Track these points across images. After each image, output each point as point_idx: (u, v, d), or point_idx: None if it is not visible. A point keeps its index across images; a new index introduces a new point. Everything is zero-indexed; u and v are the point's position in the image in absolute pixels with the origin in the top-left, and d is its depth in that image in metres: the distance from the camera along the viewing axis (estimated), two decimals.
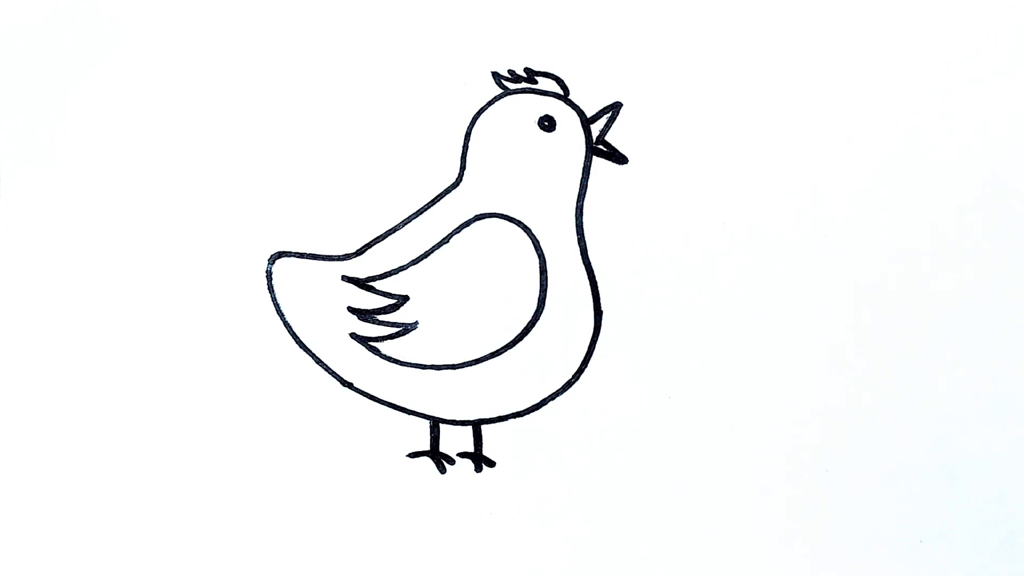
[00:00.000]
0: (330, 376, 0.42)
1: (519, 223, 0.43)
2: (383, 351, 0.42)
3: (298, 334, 0.42)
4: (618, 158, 0.43)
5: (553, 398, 0.42)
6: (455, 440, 0.42)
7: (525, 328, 0.42)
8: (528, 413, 0.42)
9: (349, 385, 0.42)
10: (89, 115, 0.43)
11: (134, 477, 0.41)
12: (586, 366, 0.43)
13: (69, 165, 0.43)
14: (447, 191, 0.43)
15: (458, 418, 0.42)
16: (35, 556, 0.41)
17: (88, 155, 0.43)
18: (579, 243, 0.43)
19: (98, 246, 0.42)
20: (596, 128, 0.43)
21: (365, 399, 0.42)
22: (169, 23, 0.44)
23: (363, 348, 0.42)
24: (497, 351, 0.42)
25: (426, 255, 0.43)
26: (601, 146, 0.43)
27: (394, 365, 0.42)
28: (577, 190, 0.43)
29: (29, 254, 0.42)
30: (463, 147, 0.43)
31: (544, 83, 0.44)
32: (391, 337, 0.42)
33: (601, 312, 0.43)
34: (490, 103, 0.43)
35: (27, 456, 0.41)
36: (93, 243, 0.42)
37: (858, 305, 0.43)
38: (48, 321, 0.42)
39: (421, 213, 0.43)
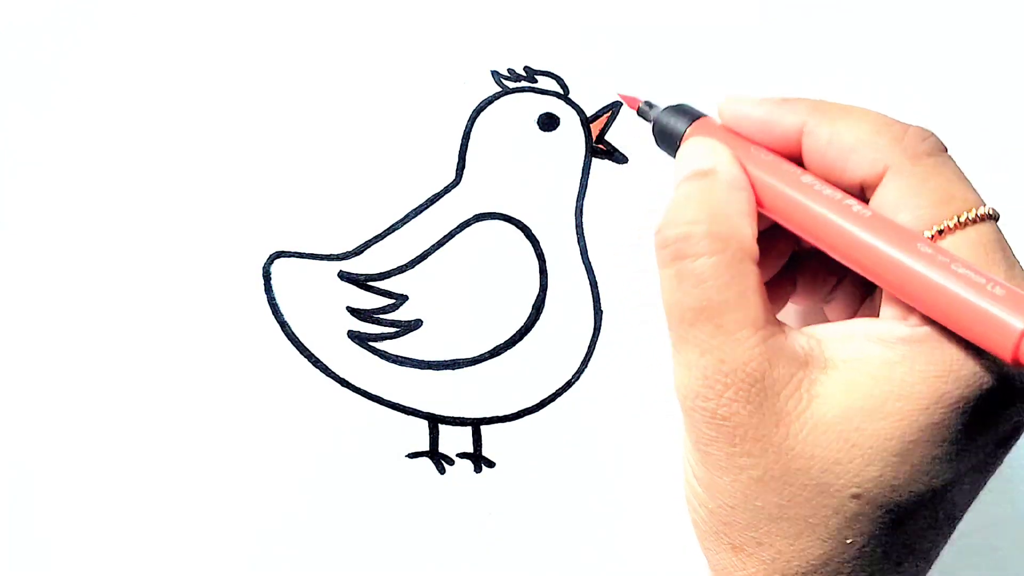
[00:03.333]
0: (328, 377, 0.42)
1: (519, 223, 0.43)
2: (382, 351, 0.42)
3: (296, 334, 0.42)
4: (618, 158, 0.43)
5: (553, 398, 0.42)
6: (455, 440, 0.42)
7: (525, 328, 0.42)
8: (528, 413, 0.42)
9: (347, 385, 0.42)
10: (88, 115, 0.43)
11: (132, 478, 0.41)
12: (586, 366, 0.42)
13: (67, 165, 0.43)
14: (446, 190, 0.43)
15: (458, 418, 0.42)
16: (29, 557, 0.41)
17: (86, 155, 0.43)
18: (579, 243, 0.43)
19: (95, 247, 0.42)
20: (596, 128, 0.43)
21: (364, 399, 0.42)
22: (168, 22, 0.44)
23: (362, 348, 0.42)
24: (497, 351, 0.42)
25: (425, 255, 0.43)
26: (601, 146, 0.43)
27: (393, 365, 0.42)
28: (577, 190, 0.43)
29: (27, 254, 0.42)
30: (462, 146, 0.43)
31: (544, 82, 0.44)
32: (390, 337, 0.42)
33: (601, 312, 0.43)
34: (489, 102, 0.43)
35: (22, 456, 0.41)
36: (90, 244, 0.42)
37: None
38: (45, 322, 0.42)
39: (420, 212, 0.43)
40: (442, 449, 0.42)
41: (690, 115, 0.35)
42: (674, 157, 0.34)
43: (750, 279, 0.29)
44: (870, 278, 0.29)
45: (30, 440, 0.41)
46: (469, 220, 0.43)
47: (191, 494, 0.41)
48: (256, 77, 0.44)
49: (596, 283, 0.43)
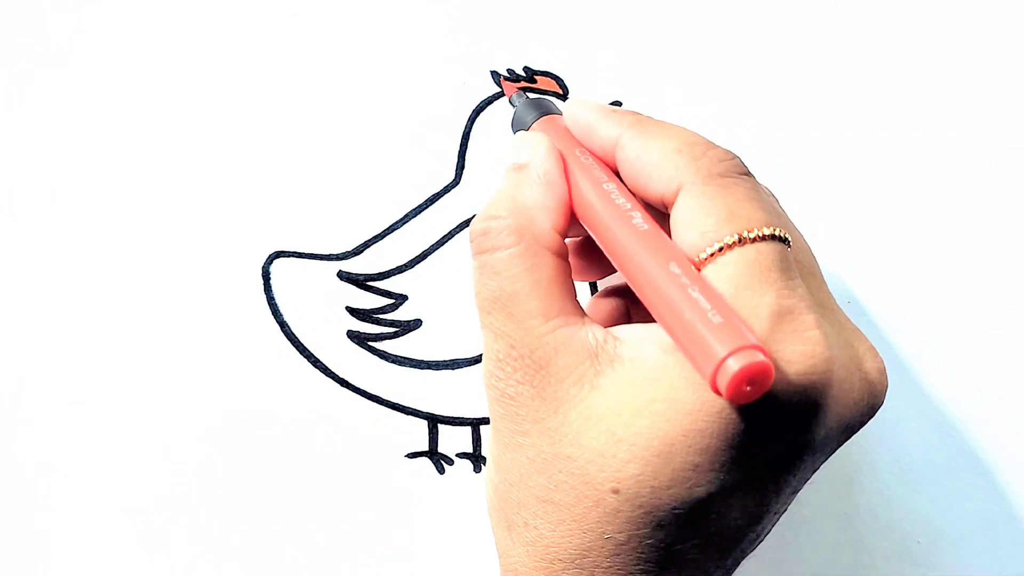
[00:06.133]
0: (328, 377, 0.42)
1: None
2: (382, 351, 0.42)
3: (296, 334, 0.42)
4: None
5: None
6: (454, 440, 0.42)
7: None
8: None
9: (347, 385, 0.42)
10: (88, 114, 0.43)
11: (131, 478, 0.41)
12: None
13: (67, 164, 0.43)
14: (445, 191, 0.43)
15: (458, 418, 0.42)
16: (29, 556, 0.41)
17: (86, 154, 0.43)
18: None
19: (95, 247, 0.42)
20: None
21: (363, 399, 0.42)
22: (169, 22, 0.44)
23: (361, 348, 0.42)
24: None
25: (425, 255, 0.43)
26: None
27: (393, 365, 0.42)
28: None
29: (27, 254, 0.42)
30: (461, 147, 0.43)
31: (543, 83, 0.44)
32: (390, 337, 0.42)
33: None
34: (489, 102, 0.43)
35: (22, 456, 0.41)
36: (90, 244, 0.42)
37: (858, 305, 0.43)
38: (44, 322, 0.42)
39: (419, 212, 0.43)
40: (442, 449, 0.42)
41: (542, 110, 0.36)
42: None
43: (544, 271, 0.31)
44: (633, 288, 0.30)
45: (30, 440, 0.41)
46: (469, 220, 0.43)
47: (190, 494, 0.41)
48: (256, 77, 0.44)
49: (595, 282, 0.43)
